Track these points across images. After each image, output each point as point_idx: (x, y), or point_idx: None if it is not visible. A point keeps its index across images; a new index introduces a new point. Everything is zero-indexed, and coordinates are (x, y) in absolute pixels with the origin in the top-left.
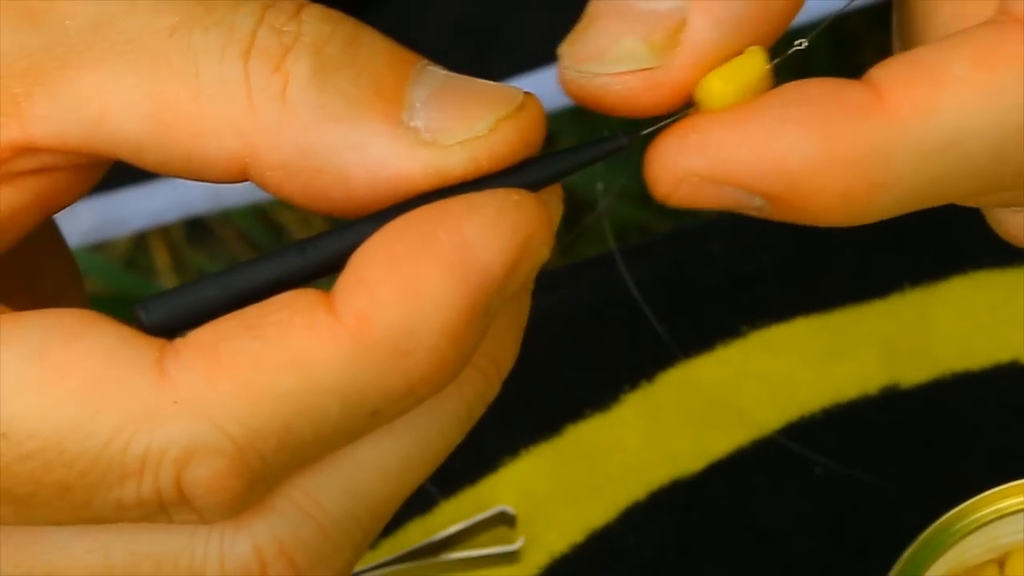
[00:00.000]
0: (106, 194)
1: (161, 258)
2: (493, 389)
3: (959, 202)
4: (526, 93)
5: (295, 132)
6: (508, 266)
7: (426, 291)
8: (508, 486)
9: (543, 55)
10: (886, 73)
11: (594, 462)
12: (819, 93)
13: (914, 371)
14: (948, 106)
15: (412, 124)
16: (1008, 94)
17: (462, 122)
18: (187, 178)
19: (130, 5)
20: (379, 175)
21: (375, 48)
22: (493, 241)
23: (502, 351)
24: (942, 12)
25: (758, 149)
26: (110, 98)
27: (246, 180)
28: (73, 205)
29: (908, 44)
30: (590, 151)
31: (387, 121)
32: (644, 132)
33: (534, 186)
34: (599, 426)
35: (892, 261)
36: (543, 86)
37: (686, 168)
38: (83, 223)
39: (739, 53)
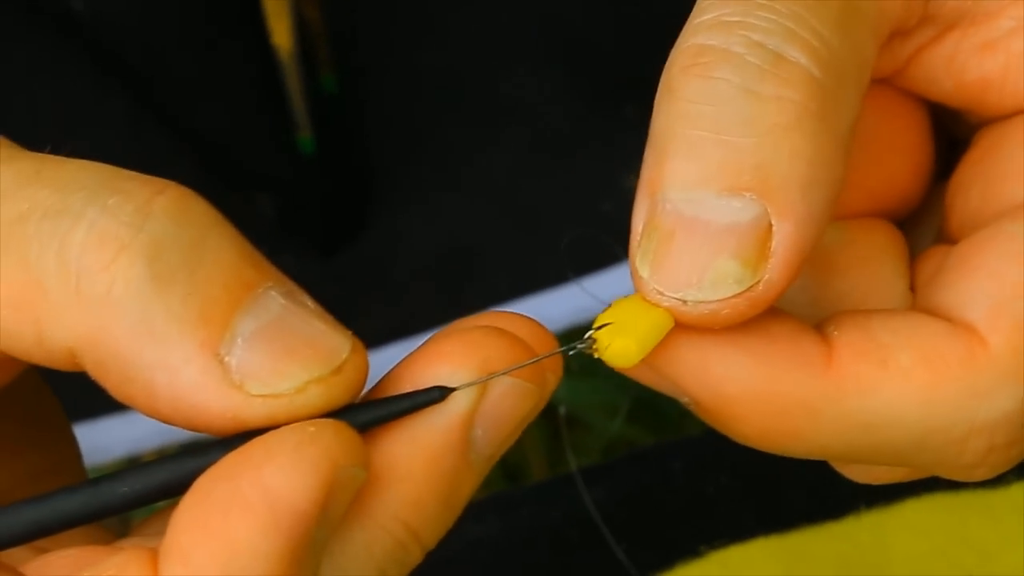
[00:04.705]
0: (87, 422)
1: None
2: (409, 553)
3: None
4: (354, 350)
5: (112, 339)
6: (317, 500)
7: (239, 547)
8: None
9: (520, 286)
10: (842, 335)
11: None
12: (782, 333)
13: None
14: (886, 392)
15: (227, 359)
16: (941, 398)
17: (272, 375)
18: (43, 365)
19: None
20: (182, 403)
21: (218, 262)
22: (296, 481)
23: (418, 518)
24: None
25: (703, 362)
26: None
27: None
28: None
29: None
30: (404, 403)
31: (203, 351)
32: (460, 387)
33: None
34: None
35: (849, 483)
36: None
37: None
38: None
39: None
